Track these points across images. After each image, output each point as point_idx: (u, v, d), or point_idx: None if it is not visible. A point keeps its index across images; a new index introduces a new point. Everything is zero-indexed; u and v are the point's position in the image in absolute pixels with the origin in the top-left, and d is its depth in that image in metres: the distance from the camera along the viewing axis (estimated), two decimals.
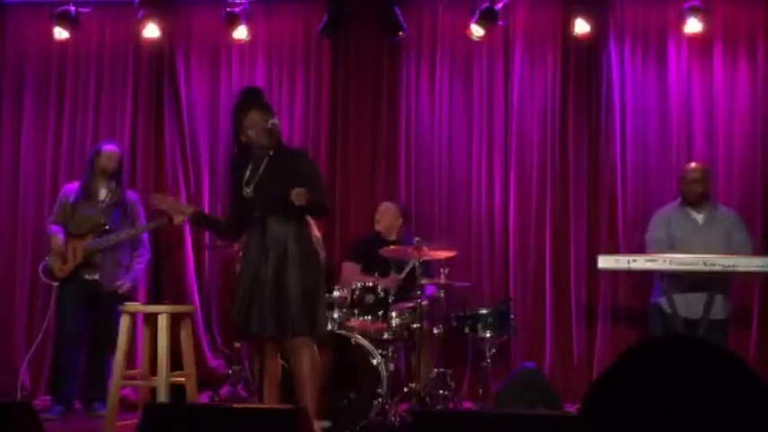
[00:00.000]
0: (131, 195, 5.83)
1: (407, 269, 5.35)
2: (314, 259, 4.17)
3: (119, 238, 5.56)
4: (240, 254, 4.30)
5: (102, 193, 5.69)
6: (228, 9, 6.21)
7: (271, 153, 4.10)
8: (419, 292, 5.06)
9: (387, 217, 5.79)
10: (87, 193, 5.66)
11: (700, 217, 5.28)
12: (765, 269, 4.71)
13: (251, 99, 4.16)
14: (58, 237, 5.56)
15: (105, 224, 5.57)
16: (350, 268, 5.66)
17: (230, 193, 4.30)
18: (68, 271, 5.53)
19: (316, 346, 4.09)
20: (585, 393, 1.21)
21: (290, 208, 3.91)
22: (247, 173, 4.10)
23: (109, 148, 5.75)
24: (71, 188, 5.77)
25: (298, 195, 3.87)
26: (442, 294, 5.33)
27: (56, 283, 5.56)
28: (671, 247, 5.12)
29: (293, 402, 4.06)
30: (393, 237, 5.76)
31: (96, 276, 5.55)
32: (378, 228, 5.78)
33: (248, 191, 4.07)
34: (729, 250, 4.99)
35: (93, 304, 5.57)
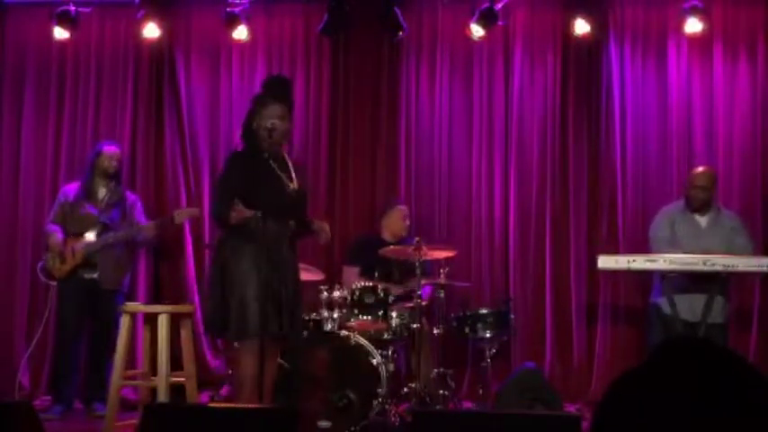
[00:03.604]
0: (130, 195, 5.84)
1: (411, 282, 5.34)
2: None
3: (117, 237, 5.55)
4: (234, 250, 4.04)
5: (102, 193, 5.70)
6: (228, 9, 6.21)
7: (287, 155, 4.10)
8: (419, 292, 5.06)
9: (401, 222, 5.80)
10: (87, 193, 5.67)
11: (703, 220, 5.27)
12: (765, 269, 4.71)
13: (284, 91, 4.12)
14: (57, 236, 5.56)
15: (104, 224, 5.57)
16: (349, 273, 5.65)
17: (256, 184, 3.99)
18: (67, 270, 5.53)
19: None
20: (605, 394, 1.20)
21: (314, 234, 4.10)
22: (274, 168, 4.00)
23: (110, 150, 5.76)
24: (70, 189, 5.78)
25: (326, 233, 4.10)
26: (442, 294, 5.32)
27: (54, 283, 5.57)
28: (675, 245, 5.11)
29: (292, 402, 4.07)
30: (393, 238, 5.76)
31: (95, 275, 5.55)
32: (386, 236, 5.77)
33: (293, 188, 4.03)
34: (731, 254, 4.99)
35: (93, 303, 5.58)
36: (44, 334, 5.83)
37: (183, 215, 5.70)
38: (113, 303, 5.46)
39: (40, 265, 5.64)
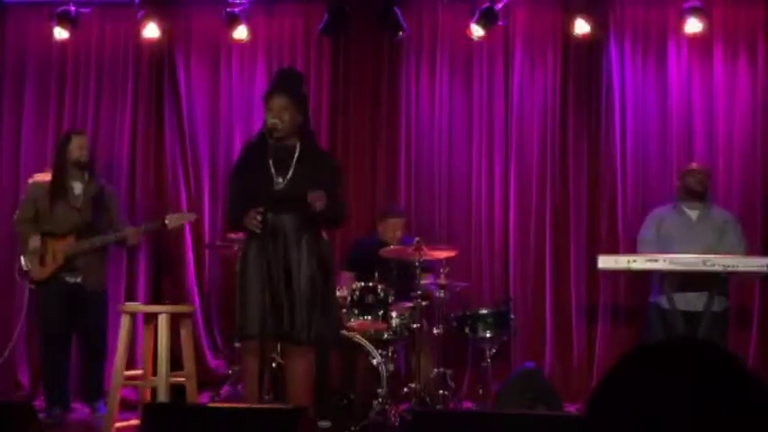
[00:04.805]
0: (107, 187, 5.55)
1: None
2: (328, 263, 4.02)
3: (106, 240, 5.30)
4: (240, 251, 4.05)
5: (78, 188, 5.35)
6: (228, 9, 6.21)
7: (299, 147, 3.93)
8: (419, 292, 5.06)
9: (393, 233, 5.76)
10: (62, 189, 5.30)
11: (694, 214, 5.30)
12: (765, 269, 4.71)
13: (287, 82, 3.99)
14: (36, 237, 5.24)
15: (86, 224, 5.28)
16: (345, 278, 5.63)
17: (248, 182, 3.95)
18: (48, 274, 5.23)
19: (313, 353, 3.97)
20: (591, 394, 1.21)
21: (309, 209, 3.76)
22: (270, 163, 3.89)
23: (79, 137, 5.41)
24: (41, 182, 5.39)
25: (316, 199, 3.73)
26: (442, 294, 5.32)
27: (32, 286, 5.27)
28: (661, 246, 5.12)
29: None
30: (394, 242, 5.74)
31: (79, 279, 5.27)
32: (389, 243, 5.74)
33: (281, 183, 3.87)
34: (721, 250, 5.00)
35: (78, 306, 5.30)
36: (20, 335, 5.75)
37: (176, 220, 5.32)
38: (100, 304, 5.32)
39: (18, 266, 5.31)
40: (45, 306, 5.32)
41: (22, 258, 5.31)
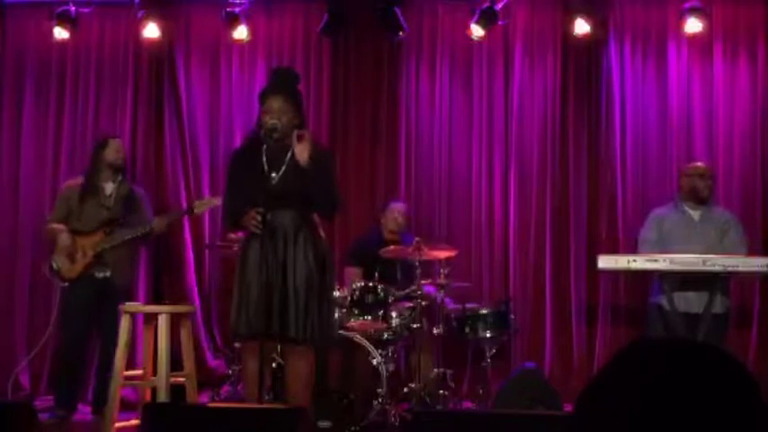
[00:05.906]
0: (137, 189, 5.62)
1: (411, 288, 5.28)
2: (325, 261, 3.97)
3: (135, 233, 5.29)
4: (240, 251, 4.03)
5: (109, 188, 5.40)
6: (228, 9, 6.22)
7: (293, 145, 3.87)
8: (419, 292, 5.06)
9: (394, 220, 5.75)
10: (93, 189, 5.36)
11: (696, 214, 5.28)
12: (765, 269, 4.71)
13: (284, 82, 3.98)
14: (65, 235, 5.26)
15: (117, 219, 5.31)
16: (352, 274, 5.63)
17: (242, 180, 3.95)
18: (78, 271, 5.26)
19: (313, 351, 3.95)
20: (579, 395, 1.21)
21: (302, 165, 3.74)
22: (264, 161, 3.89)
23: (117, 141, 5.50)
24: (73, 184, 5.48)
25: (302, 146, 3.73)
26: (443, 294, 5.32)
27: (65, 284, 5.28)
28: (662, 246, 5.11)
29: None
30: (390, 236, 5.74)
31: (108, 274, 5.29)
32: (391, 228, 5.73)
33: (274, 178, 3.85)
34: (723, 249, 5.00)
35: (101, 303, 5.31)
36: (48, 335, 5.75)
37: (203, 205, 5.37)
38: (124, 299, 5.33)
39: (48, 265, 5.32)
40: (71, 305, 5.32)
41: (53, 257, 5.32)
